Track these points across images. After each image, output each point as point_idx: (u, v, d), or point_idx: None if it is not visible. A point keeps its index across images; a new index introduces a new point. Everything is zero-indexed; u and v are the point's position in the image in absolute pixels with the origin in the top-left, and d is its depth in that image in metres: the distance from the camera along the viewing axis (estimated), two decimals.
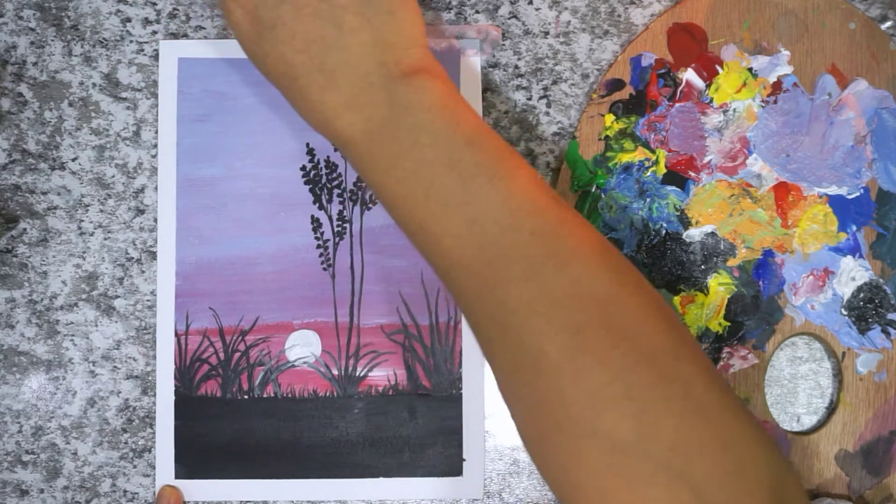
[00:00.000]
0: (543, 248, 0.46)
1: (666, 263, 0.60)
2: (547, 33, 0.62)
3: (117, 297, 0.61)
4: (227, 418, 0.61)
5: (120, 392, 0.61)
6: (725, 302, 0.60)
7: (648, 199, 0.60)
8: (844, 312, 0.59)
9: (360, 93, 0.49)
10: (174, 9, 0.62)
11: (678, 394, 0.44)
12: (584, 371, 0.44)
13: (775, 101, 0.60)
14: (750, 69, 0.60)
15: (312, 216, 0.61)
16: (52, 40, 0.62)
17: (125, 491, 0.61)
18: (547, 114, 0.62)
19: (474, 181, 0.47)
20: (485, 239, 0.47)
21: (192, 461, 0.61)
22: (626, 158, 0.60)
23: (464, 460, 0.60)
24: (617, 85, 0.61)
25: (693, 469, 0.42)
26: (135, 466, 0.61)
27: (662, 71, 0.60)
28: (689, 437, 0.43)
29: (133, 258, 0.62)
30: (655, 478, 0.42)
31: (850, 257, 0.59)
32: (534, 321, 0.45)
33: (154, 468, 0.61)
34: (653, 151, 0.60)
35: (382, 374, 0.61)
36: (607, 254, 0.47)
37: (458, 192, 0.47)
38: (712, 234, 0.60)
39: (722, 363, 0.60)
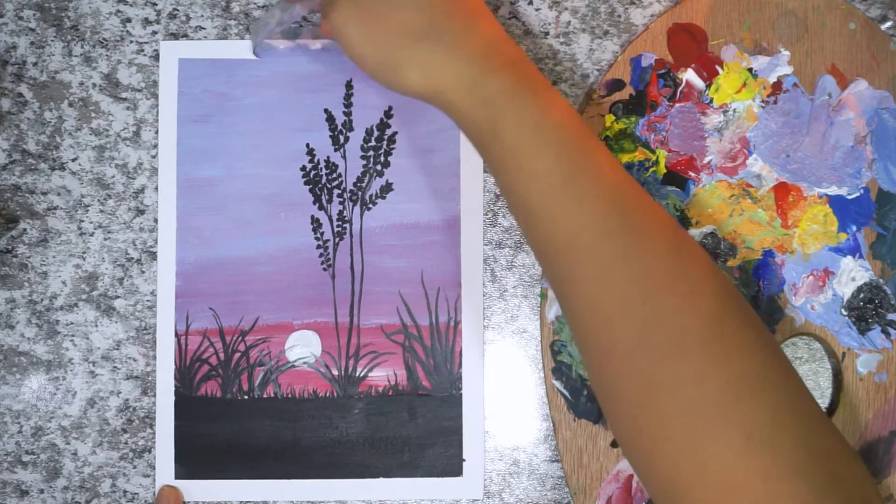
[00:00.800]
0: (643, 232, 0.47)
1: None
2: (547, 33, 0.62)
3: (117, 297, 0.61)
4: (227, 418, 0.61)
5: (120, 392, 0.61)
6: None
7: None
8: (844, 313, 0.59)
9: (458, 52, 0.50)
10: (174, 9, 0.62)
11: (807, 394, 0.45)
12: (722, 357, 0.44)
13: (775, 102, 0.60)
14: (750, 69, 0.60)
15: (312, 216, 0.61)
16: (52, 40, 0.62)
17: (125, 491, 0.61)
18: None
19: (579, 168, 0.48)
20: (589, 222, 0.47)
21: (192, 461, 0.61)
22: (626, 159, 0.60)
23: (464, 460, 0.61)
24: (617, 85, 0.61)
25: (817, 471, 0.43)
26: (135, 467, 0.61)
27: (662, 71, 0.60)
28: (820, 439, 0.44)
29: (133, 258, 0.62)
30: (788, 474, 0.42)
31: (850, 257, 0.59)
32: (676, 300, 0.46)
33: (154, 468, 0.61)
34: (653, 152, 0.60)
35: (382, 375, 0.61)
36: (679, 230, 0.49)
37: (563, 175, 0.48)
38: (712, 234, 0.60)
39: None
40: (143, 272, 0.62)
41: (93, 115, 0.62)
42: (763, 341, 0.46)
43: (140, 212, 0.62)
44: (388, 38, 0.51)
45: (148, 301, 0.61)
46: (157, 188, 0.62)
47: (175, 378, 0.61)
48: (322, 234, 0.61)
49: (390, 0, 0.51)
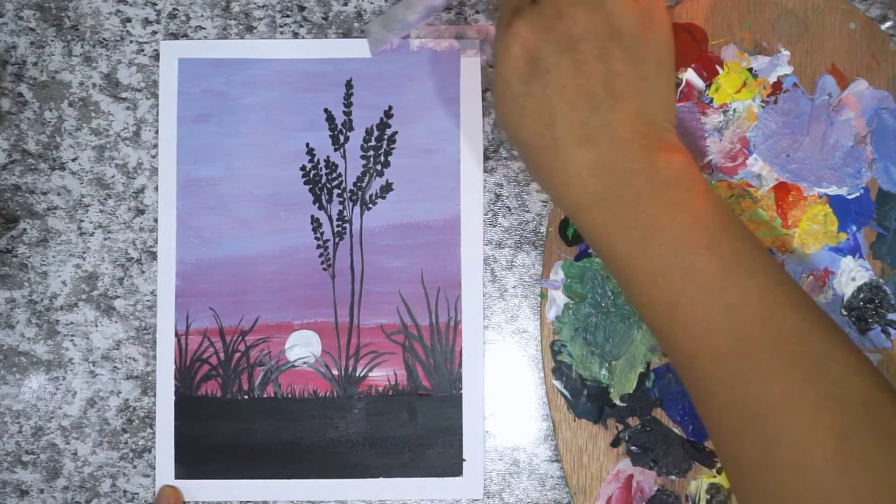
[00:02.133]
0: (802, 345, 0.46)
1: None
2: None
3: (117, 297, 0.61)
4: (227, 418, 0.61)
5: (120, 392, 0.61)
6: None
7: None
8: (844, 313, 0.59)
9: (618, 157, 0.48)
10: (174, 9, 0.62)
11: None
12: (850, 474, 0.44)
13: (775, 102, 0.60)
14: (750, 69, 0.60)
15: (312, 216, 0.61)
16: (52, 40, 0.62)
17: (125, 491, 0.61)
18: None
19: (733, 269, 0.47)
20: (743, 330, 0.46)
21: (192, 461, 0.61)
22: None
23: (464, 460, 0.60)
24: None
25: None
26: (135, 467, 0.61)
27: None
28: None
29: (133, 258, 0.62)
30: None
31: (850, 257, 0.59)
32: (795, 419, 0.45)
33: (154, 468, 0.61)
34: None
35: (382, 375, 0.61)
36: (860, 355, 0.47)
37: (718, 278, 0.47)
38: None
39: None
40: (143, 272, 0.62)
41: (93, 115, 0.62)
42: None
43: (140, 212, 0.62)
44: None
45: (148, 301, 0.61)
46: (157, 188, 0.62)
47: (175, 378, 0.61)
48: (322, 233, 0.61)
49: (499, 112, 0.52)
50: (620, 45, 0.49)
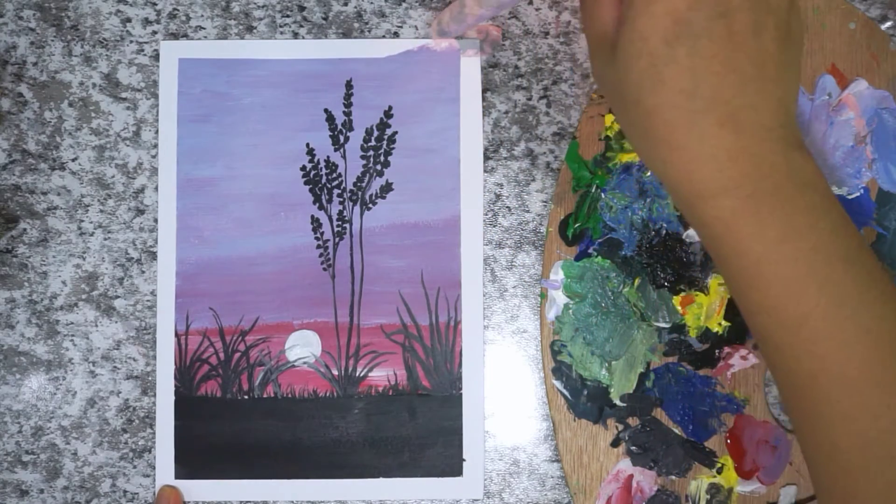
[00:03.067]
0: None
1: (666, 263, 0.60)
2: (547, 33, 0.62)
3: (117, 297, 0.61)
4: (227, 418, 0.61)
5: (120, 392, 0.61)
6: (725, 302, 0.60)
7: (648, 199, 0.60)
8: None
9: (760, 145, 0.43)
10: (174, 9, 0.62)
11: None
12: None
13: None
14: None
15: (312, 216, 0.61)
16: (52, 40, 0.62)
17: (125, 491, 0.61)
18: (547, 114, 0.62)
19: (870, 289, 0.43)
20: (877, 356, 0.43)
21: (192, 461, 0.61)
22: (626, 158, 0.60)
23: (464, 460, 0.61)
24: None
25: None
26: (135, 467, 0.61)
27: None
28: None
29: (133, 258, 0.62)
30: None
31: None
32: None
33: (154, 468, 0.61)
34: None
35: (382, 375, 0.61)
36: None
37: (854, 295, 0.43)
38: None
39: (722, 363, 0.60)
40: (143, 272, 0.62)
41: (93, 115, 0.62)
42: None
43: (140, 212, 0.62)
44: (624, 127, 0.46)
45: (148, 301, 0.61)
46: (156, 188, 0.62)
47: (175, 378, 0.61)
48: (322, 233, 0.61)
49: (619, 91, 0.45)
50: (775, 21, 0.43)
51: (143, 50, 0.62)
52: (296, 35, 0.62)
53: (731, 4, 0.42)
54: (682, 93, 0.42)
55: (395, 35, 0.62)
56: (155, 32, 0.62)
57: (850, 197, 0.60)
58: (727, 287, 0.47)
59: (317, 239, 0.61)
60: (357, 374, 0.61)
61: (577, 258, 0.60)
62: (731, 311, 0.60)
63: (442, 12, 0.60)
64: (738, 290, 0.45)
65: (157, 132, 0.62)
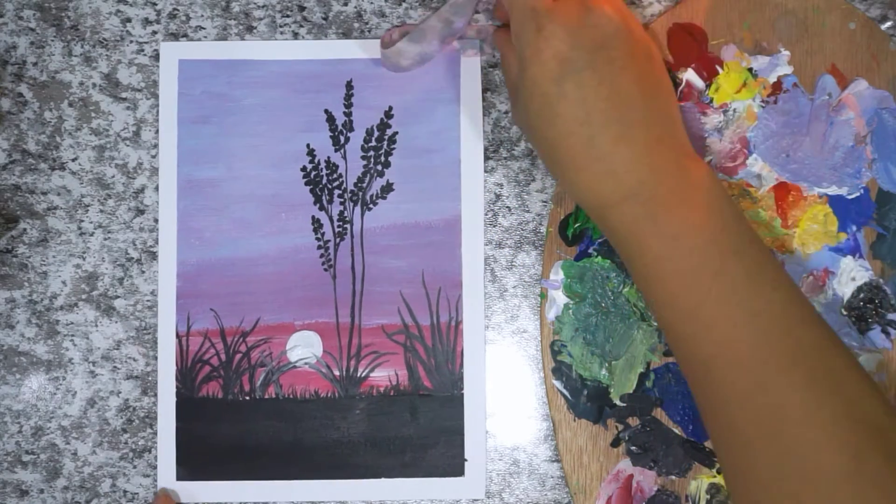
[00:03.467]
0: (822, 361, 0.46)
1: None
2: None
3: (117, 297, 0.61)
4: (228, 420, 0.61)
5: (120, 392, 0.61)
6: None
7: None
8: (844, 313, 0.59)
9: (653, 154, 0.49)
10: (174, 9, 0.62)
11: None
12: (862, 495, 0.44)
13: (775, 102, 0.60)
14: (750, 69, 0.60)
15: (313, 217, 0.61)
16: (52, 40, 0.62)
17: (125, 491, 0.61)
18: None
19: (759, 277, 0.47)
20: (765, 337, 0.46)
21: (193, 463, 0.61)
22: None
23: (465, 460, 0.61)
24: None
25: None
26: (135, 467, 0.61)
27: None
28: None
29: (133, 258, 0.62)
30: None
31: (850, 257, 0.59)
32: (812, 434, 0.45)
33: (154, 468, 0.61)
34: None
35: (384, 375, 0.61)
36: (870, 379, 0.47)
37: (744, 284, 0.47)
38: None
39: None
40: (143, 272, 0.62)
41: (93, 115, 0.62)
42: None
43: (140, 212, 0.62)
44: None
45: (148, 301, 0.61)
46: (157, 188, 0.62)
47: (176, 379, 0.61)
48: (323, 234, 0.61)
49: (523, 123, 0.52)
50: (643, 47, 0.51)
51: (143, 50, 0.62)
52: (296, 35, 0.62)
53: (606, 35, 0.49)
54: (575, 121, 0.49)
55: None
56: (155, 32, 0.62)
57: (850, 197, 0.60)
58: (636, 286, 0.53)
59: (317, 239, 0.61)
60: (358, 375, 0.61)
61: (577, 258, 0.60)
62: None
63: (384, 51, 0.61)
64: (644, 286, 0.50)
65: (157, 132, 0.62)
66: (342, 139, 0.61)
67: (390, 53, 0.60)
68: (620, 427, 0.60)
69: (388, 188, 0.61)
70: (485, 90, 0.62)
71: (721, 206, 0.49)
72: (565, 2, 0.50)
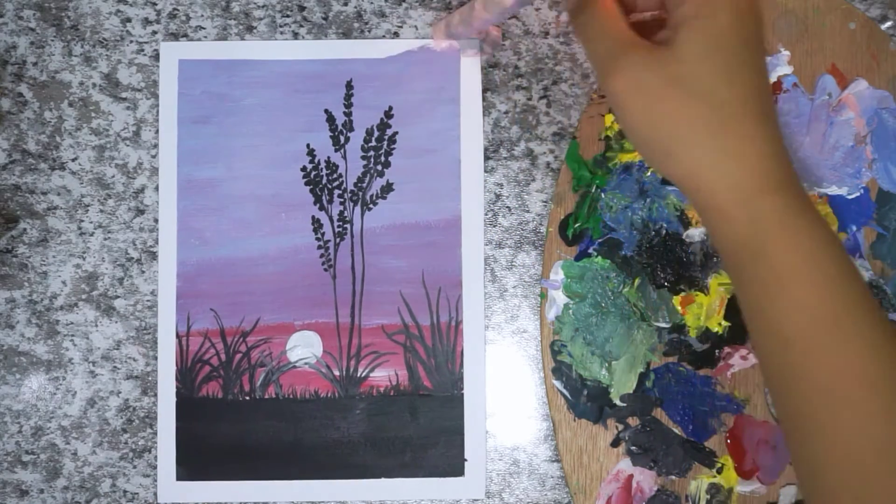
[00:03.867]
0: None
1: (666, 263, 0.60)
2: (547, 33, 0.62)
3: (117, 297, 0.61)
4: (228, 420, 0.61)
5: (120, 392, 0.61)
6: (725, 302, 0.60)
7: (648, 199, 0.60)
8: None
9: (782, 167, 0.45)
10: (174, 9, 0.62)
11: None
12: None
13: (775, 102, 0.60)
14: None
15: (313, 217, 0.61)
16: (52, 40, 0.62)
17: (125, 491, 0.61)
18: (547, 114, 0.62)
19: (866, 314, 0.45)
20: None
21: (193, 462, 0.61)
22: (626, 158, 0.60)
23: (465, 460, 0.61)
24: None
25: None
26: (135, 467, 0.61)
27: None
28: None
29: (133, 258, 0.62)
30: None
31: None
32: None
33: (154, 468, 0.61)
34: None
35: (384, 375, 0.61)
36: None
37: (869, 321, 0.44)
38: None
39: (722, 363, 0.60)
40: (143, 272, 0.62)
41: (93, 114, 0.62)
42: None
43: (140, 212, 0.62)
44: (668, 122, 0.45)
45: (148, 301, 0.61)
46: (157, 188, 0.62)
47: (176, 379, 0.61)
48: (323, 234, 0.61)
49: (685, 83, 0.45)
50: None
51: (143, 50, 0.62)
52: (296, 35, 0.62)
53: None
54: (755, 85, 0.45)
55: (395, 35, 0.62)
56: (155, 32, 0.62)
57: (850, 197, 0.60)
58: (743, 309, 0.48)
59: (318, 239, 0.61)
60: (358, 375, 0.61)
61: (577, 258, 0.60)
62: (732, 311, 0.60)
63: (451, 14, 0.60)
64: (743, 285, 0.46)
65: (157, 132, 0.62)
66: (342, 139, 0.62)
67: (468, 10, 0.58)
68: (620, 427, 0.60)
69: (388, 188, 0.61)
70: (485, 90, 0.62)
71: (822, 224, 0.45)
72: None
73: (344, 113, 0.62)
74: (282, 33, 0.62)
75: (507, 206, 0.62)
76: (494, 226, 0.62)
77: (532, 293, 0.62)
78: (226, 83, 0.62)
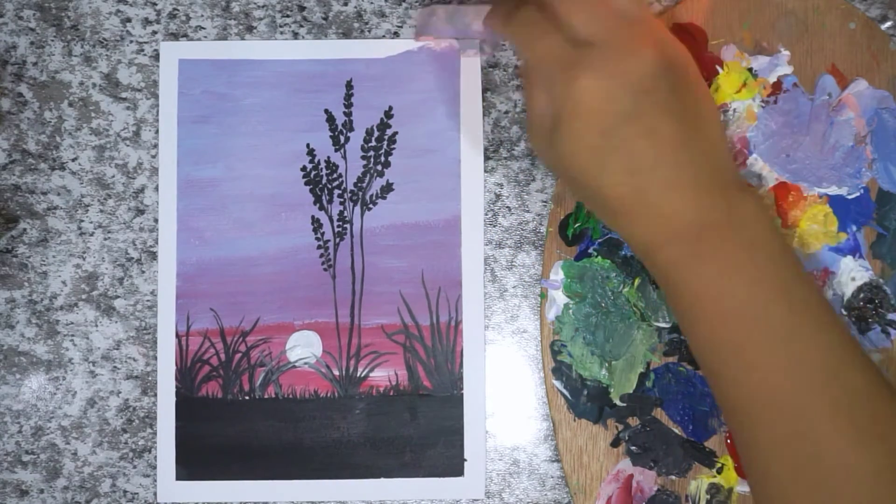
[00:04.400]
0: (865, 409, 0.44)
1: None
2: None
3: (117, 297, 0.61)
4: (228, 419, 0.61)
5: (120, 392, 0.61)
6: None
7: None
8: (844, 312, 0.59)
9: (702, 193, 0.47)
10: (174, 9, 0.62)
11: None
12: None
13: (775, 102, 0.60)
14: (750, 69, 0.60)
15: (313, 217, 0.61)
16: (52, 40, 0.62)
17: (125, 491, 0.61)
18: None
19: (804, 317, 0.46)
20: (806, 385, 0.45)
21: (193, 462, 0.61)
22: None
23: (465, 460, 0.61)
24: None
25: None
26: (135, 467, 0.61)
27: None
28: None
29: (133, 258, 0.62)
30: None
31: (850, 257, 0.59)
32: (852, 489, 0.43)
33: (154, 468, 0.61)
34: None
35: (383, 375, 0.61)
36: None
37: (787, 325, 0.45)
38: None
39: None
40: (143, 272, 0.62)
41: (93, 114, 0.62)
42: None
43: (140, 212, 0.62)
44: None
45: (148, 301, 0.61)
46: (157, 188, 0.62)
47: (176, 379, 0.61)
48: (322, 234, 0.61)
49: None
50: (681, 76, 0.48)
51: (143, 50, 0.62)
52: (296, 35, 0.62)
53: (647, 80, 0.46)
54: (624, 172, 0.47)
55: (395, 35, 0.62)
56: (155, 32, 0.62)
57: (850, 197, 0.60)
58: (681, 328, 0.51)
59: (317, 239, 0.61)
60: (358, 375, 0.61)
61: (577, 258, 0.60)
62: None
63: (434, 9, 0.60)
64: (687, 327, 0.49)
65: (157, 132, 0.62)
66: (342, 139, 0.62)
67: (461, 12, 0.59)
68: (620, 427, 0.60)
69: (387, 188, 0.61)
70: (485, 90, 0.62)
71: (767, 241, 0.47)
72: (598, 48, 0.47)
73: (344, 113, 0.62)
74: (282, 33, 0.62)
75: (507, 206, 0.62)
76: (494, 226, 0.62)
77: (532, 293, 0.62)
78: (226, 83, 0.62)
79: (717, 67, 0.60)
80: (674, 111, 0.47)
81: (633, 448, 0.59)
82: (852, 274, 0.59)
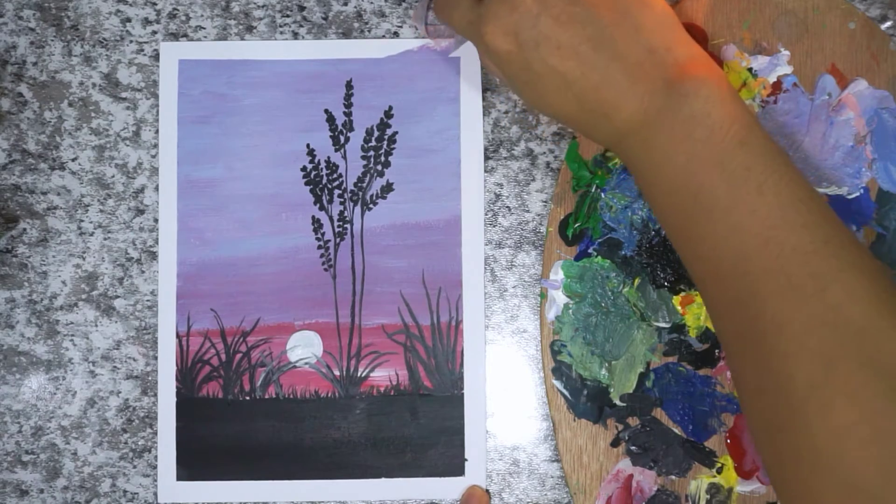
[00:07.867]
0: (803, 267, 0.44)
1: (666, 263, 0.60)
2: None
3: (117, 297, 0.61)
4: (228, 420, 0.61)
5: (120, 392, 0.61)
6: None
7: None
8: None
9: (635, 82, 0.48)
10: (174, 9, 0.62)
11: None
12: (830, 406, 0.42)
13: (775, 101, 0.60)
14: (750, 69, 0.60)
15: (313, 217, 0.61)
16: (52, 40, 0.62)
17: (125, 491, 0.61)
18: None
19: (742, 187, 0.46)
20: (743, 250, 0.46)
21: (193, 463, 0.61)
22: None
23: (465, 460, 0.61)
24: None
25: None
26: (135, 466, 0.61)
27: None
28: None
29: (133, 258, 0.62)
30: None
31: None
32: (784, 345, 0.44)
33: (154, 468, 0.61)
34: None
35: (384, 375, 0.61)
36: (874, 278, 0.45)
37: (724, 197, 0.46)
38: None
39: (722, 363, 0.60)
40: (142, 272, 0.62)
41: (93, 114, 0.62)
42: (882, 386, 0.42)
43: (140, 212, 0.62)
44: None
45: (148, 301, 0.61)
46: (157, 188, 0.62)
47: (177, 379, 0.61)
48: (323, 234, 0.61)
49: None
50: None
51: (142, 50, 0.62)
52: (296, 35, 0.62)
53: (533, 4, 0.48)
54: (559, 91, 0.49)
55: (395, 35, 0.62)
56: (155, 32, 0.62)
57: (850, 197, 0.60)
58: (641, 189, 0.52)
59: (318, 239, 0.61)
60: (358, 375, 0.61)
61: (577, 258, 0.60)
62: None
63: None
64: (657, 215, 0.51)
65: (157, 132, 0.62)
66: (342, 139, 0.62)
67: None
68: (620, 427, 0.60)
69: (388, 188, 0.61)
70: (485, 90, 0.62)
71: (709, 111, 0.47)
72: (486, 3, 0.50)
73: (344, 113, 0.62)
74: (282, 33, 0.62)
75: (507, 206, 0.62)
76: (494, 226, 0.62)
77: (532, 293, 0.62)
78: (226, 83, 0.62)
79: None
80: (577, 17, 0.48)
81: (633, 448, 0.59)
82: None
